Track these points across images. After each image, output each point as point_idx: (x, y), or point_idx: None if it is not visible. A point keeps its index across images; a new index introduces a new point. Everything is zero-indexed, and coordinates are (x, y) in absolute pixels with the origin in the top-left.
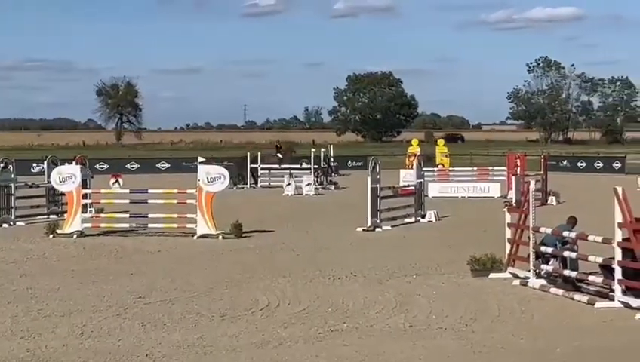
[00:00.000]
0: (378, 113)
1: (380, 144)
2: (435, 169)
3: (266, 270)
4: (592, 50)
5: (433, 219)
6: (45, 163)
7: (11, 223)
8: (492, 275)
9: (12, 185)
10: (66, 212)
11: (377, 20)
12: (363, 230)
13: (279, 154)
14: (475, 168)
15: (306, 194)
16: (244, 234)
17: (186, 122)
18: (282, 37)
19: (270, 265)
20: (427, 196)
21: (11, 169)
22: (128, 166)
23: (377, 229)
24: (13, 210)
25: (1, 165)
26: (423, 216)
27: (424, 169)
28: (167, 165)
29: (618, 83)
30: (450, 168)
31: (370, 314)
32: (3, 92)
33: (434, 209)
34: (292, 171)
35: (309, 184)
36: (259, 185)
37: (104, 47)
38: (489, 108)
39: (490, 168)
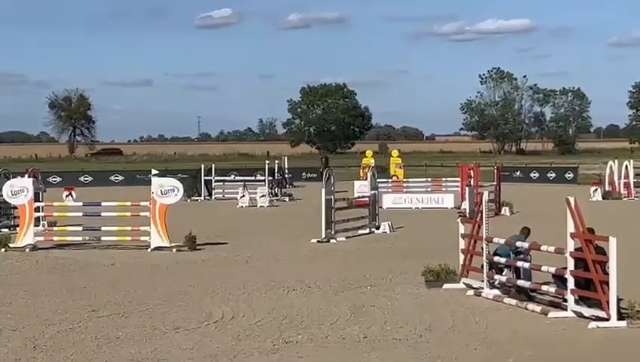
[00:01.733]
0: (332, 125)
1: (334, 155)
2: (390, 180)
3: (221, 282)
4: (544, 61)
5: (387, 230)
6: None
7: None
8: (446, 286)
9: None
10: (18, 225)
11: (330, 32)
12: (317, 241)
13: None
14: (429, 179)
15: (261, 206)
16: (198, 247)
17: (140, 134)
18: (236, 49)
19: (224, 278)
20: (381, 207)
21: None
22: (82, 179)
23: (332, 241)
24: None
25: None
26: (378, 228)
27: (378, 180)
28: (120, 177)
29: (570, 94)
30: (405, 179)
31: (325, 325)
32: None
33: (388, 220)
34: (246, 183)
35: (263, 196)
36: (213, 197)
37: (55, 59)
38: (442, 119)
39: (444, 179)
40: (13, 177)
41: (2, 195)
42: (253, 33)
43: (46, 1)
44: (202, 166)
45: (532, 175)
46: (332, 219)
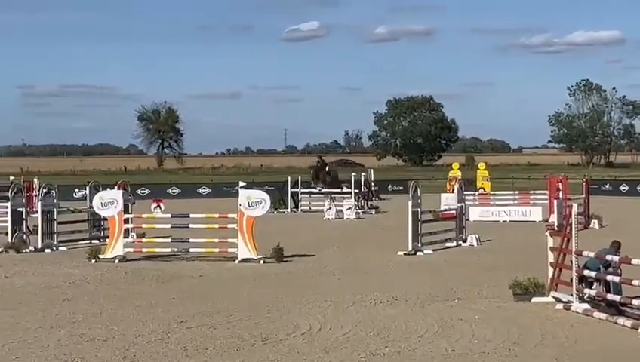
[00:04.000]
0: (419, 137)
1: (420, 168)
2: (476, 193)
3: (308, 294)
4: (634, 73)
5: (474, 243)
6: (87, 188)
7: (54, 248)
8: (535, 299)
9: (55, 210)
10: (107, 237)
11: (417, 44)
12: (404, 254)
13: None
14: (517, 192)
15: (347, 219)
16: (285, 259)
17: (227, 147)
18: (322, 62)
19: (311, 290)
20: (468, 220)
21: (54, 194)
22: (170, 191)
23: (418, 253)
24: (55, 235)
25: (44, 190)
26: (464, 240)
27: (465, 193)
28: (208, 190)
29: None
30: (492, 192)
31: (412, 338)
32: (43, 118)
33: (475, 233)
34: (333, 195)
35: (349, 208)
36: (300, 209)
37: (144, 72)
38: (530, 131)
39: (532, 192)
40: (102, 189)
41: (92, 207)
42: (340, 46)
43: (134, 15)
44: (289, 178)
45: (621, 188)
46: (419, 232)
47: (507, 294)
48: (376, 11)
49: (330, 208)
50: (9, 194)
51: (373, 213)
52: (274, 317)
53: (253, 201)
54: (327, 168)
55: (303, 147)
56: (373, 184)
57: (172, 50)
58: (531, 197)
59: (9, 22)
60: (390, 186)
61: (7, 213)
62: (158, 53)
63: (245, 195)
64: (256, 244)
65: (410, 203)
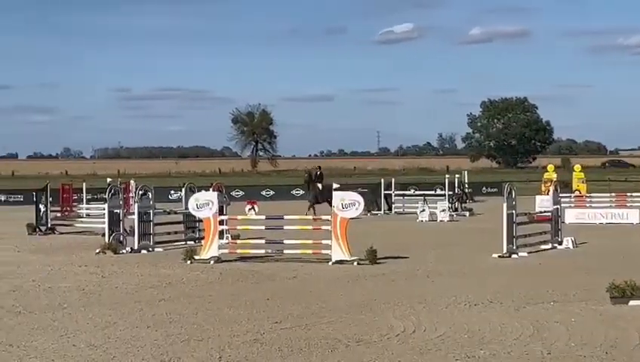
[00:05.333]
0: (513, 139)
1: (514, 170)
2: (572, 195)
3: (401, 296)
4: None
5: (570, 246)
6: (183, 190)
7: (150, 249)
8: (632, 303)
9: (151, 211)
10: (203, 238)
11: (511, 46)
12: (499, 256)
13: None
14: (613, 194)
15: (441, 221)
16: (378, 260)
17: (320, 149)
18: (416, 63)
19: (405, 291)
20: (564, 222)
21: (150, 196)
22: (264, 193)
23: (513, 256)
24: (151, 237)
25: (141, 192)
26: (560, 243)
27: (561, 195)
28: (301, 192)
29: None
30: (587, 194)
31: (508, 341)
32: (139, 121)
33: (571, 235)
34: (426, 197)
35: (443, 210)
36: (393, 211)
37: (238, 75)
38: (626, 133)
39: (629, 194)
40: (198, 191)
41: (188, 209)
42: (433, 48)
43: (228, 18)
44: (382, 180)
45: None
46: (514, 234)
47: (604, 297)
48: (471, 13)
49: (423, 210)
50: (106, 196)
51: (467, 215)
52: (368, 318)
53: (346, 203)
54: (319, 178)
55: (396, 149)
56: (466, 186)
57: (266, 53)
58: (628, 199)
59: (106, 25)
60: (484, 188)
61: (104, 214)
62: (252, 56)
63: (339, 197)
64: (349, 246)
65: (504, 205)
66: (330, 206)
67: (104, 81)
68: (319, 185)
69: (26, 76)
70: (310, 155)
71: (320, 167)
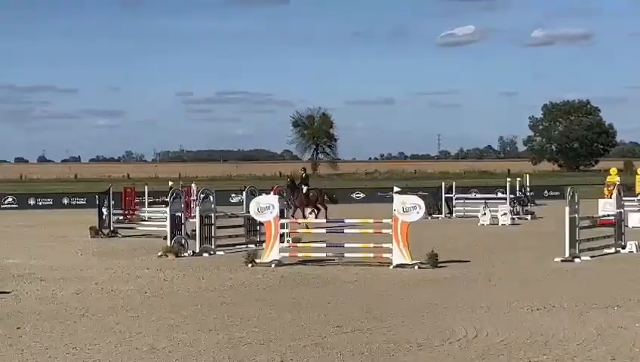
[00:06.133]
0: (575, 142)
1: (576, 173)
2: (636, 198)
3: (463, 300)
4: None
5: (634, 250)
6: (244, 193)
7: (212, 252)
8: None
9: (212, 215)
10: (264, 241)
11: (574, 48)
12: (561, 261)
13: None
14: None
15: (502, 224)
16: (439, 264)
17: (380, 152)
18: (477, 66)
19: (467, 296)
20: (627, 226)
21: (212, 199)
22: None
23: (576, 260)
24: (213, 240)
25: (202, 196)
26: (624, 247)
27: (624, 198)
28: (361, 195)
29: None
30: None
31: (571, 346)
32: (200, 124)
33: (635, 239)
34: (487, 201)
35: (504, 214)
36: (454, 214)
37: (299, 78)
38: None
39: None
40: (258, 194)
41: (249, 212)
42: (495, 50)
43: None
44: (442, 183)
45: None
46: (576, 238)
47: None
48: (533, 15)
49: (485, 214)
50: (168, 200)
51: (529, 218)
52: (429, 322)
53: (407, 207)
54: (304, 181)
55: (457, 152)
56: (528, 189)
57: (329, 56)
58: None
59: (167, 28)
60: (546, 192)
61: (166, 217)
62: (314, 59)
63: (400, 201)
64: (410, 250)
65: (567, 208)
66: (319, 209)
67: (167, 84)
68: (304, 188)
69: (91, 79)
70: (370, 158)
71: (305, 169)
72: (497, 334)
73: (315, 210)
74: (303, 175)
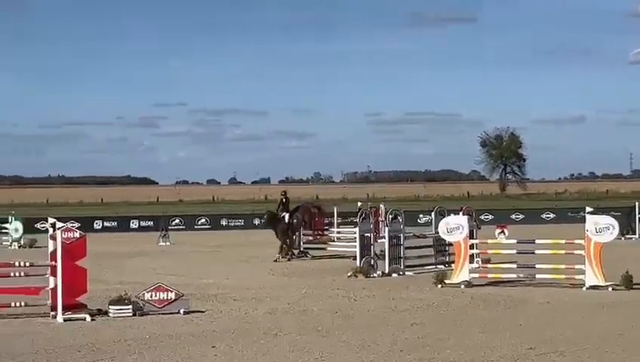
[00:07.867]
0: None
1: None
2: None
3: None
4: None
5: None
6: (433, 213)
7: (401, 273)
8: None
9: (401, 235)
10: (453, 262)
11: None
12: None
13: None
14: None
15: None
16: (635, 286)
17: (570, 172)
18: None
19: None
20: None
21: (400, 220)
22: (513, 216)
23: None
24: (402, 260)
25: (391, 216)
26: None
27: None
28: (551, 215)
29: None
30: None
31: None
32: (388, 145)
33: None
34: None
35: None
36: None
37: (488, 98)
38: None
39: None
40: (447, 215)
41: (438, 232)
42: None
43: (476, 40)
44: (636, 203)
45: None
46: None
47: None
48: None
49: None
50: (357, 220)
51: None
52: (624, 346)
53: (601, 227)
54: (284, 207)
55: None
56: None
57: (515, 75)
58: None
59: (355, 51)
60: None
61: (355, 238)
62: (501, 79)
63: (593, 221)
64: (604, 271)
65: None
66: (309, 228)
67: (356, 105)
68: (285, 216)
69: (281, 102)
70: (560, 178)
71: (285, 192)
72: None
73: (286, 245)
74: (283, 199)
